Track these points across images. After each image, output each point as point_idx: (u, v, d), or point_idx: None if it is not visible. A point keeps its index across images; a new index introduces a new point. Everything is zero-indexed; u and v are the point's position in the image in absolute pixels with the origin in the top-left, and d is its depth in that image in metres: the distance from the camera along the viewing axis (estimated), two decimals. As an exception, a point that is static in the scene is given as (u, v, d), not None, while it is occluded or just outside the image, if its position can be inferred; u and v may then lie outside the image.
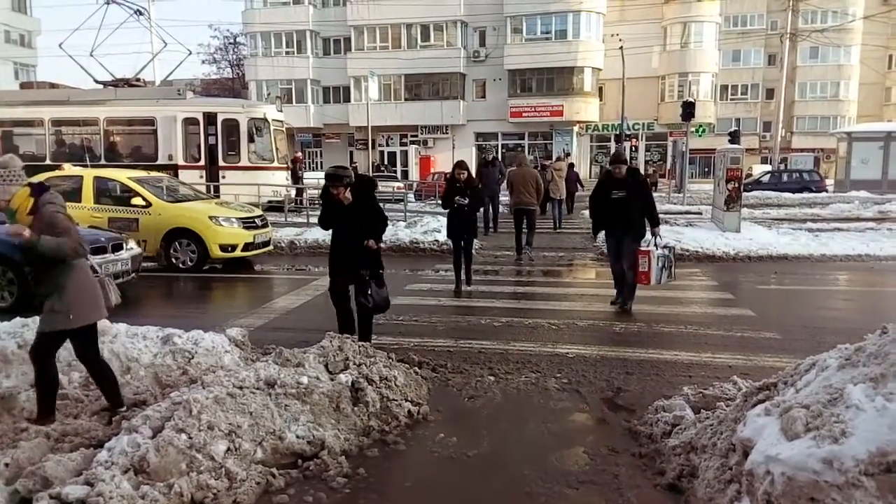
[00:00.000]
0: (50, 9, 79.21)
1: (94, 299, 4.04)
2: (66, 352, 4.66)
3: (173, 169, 16.25)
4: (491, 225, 15.08)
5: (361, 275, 5.61)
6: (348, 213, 5.54)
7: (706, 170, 39.81)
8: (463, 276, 8.89)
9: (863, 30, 44.40)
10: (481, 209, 12.46)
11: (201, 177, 16.82)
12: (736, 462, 2.96)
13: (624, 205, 7.30)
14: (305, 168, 25.14)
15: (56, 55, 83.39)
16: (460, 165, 8.86)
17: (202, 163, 17.16)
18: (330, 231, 5.84)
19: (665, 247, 7.53)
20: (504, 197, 14.58)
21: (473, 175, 9.93)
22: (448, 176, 9.68)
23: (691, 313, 7.52)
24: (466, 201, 8.57)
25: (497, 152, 40.01)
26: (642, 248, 7.28)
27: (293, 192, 18.94)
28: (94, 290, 4.06)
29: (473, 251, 9.68)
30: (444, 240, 12.89)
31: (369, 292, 5.62)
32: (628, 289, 7.52)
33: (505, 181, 13.71)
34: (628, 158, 7.82)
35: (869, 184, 26.52)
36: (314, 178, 25.35)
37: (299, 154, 28.72)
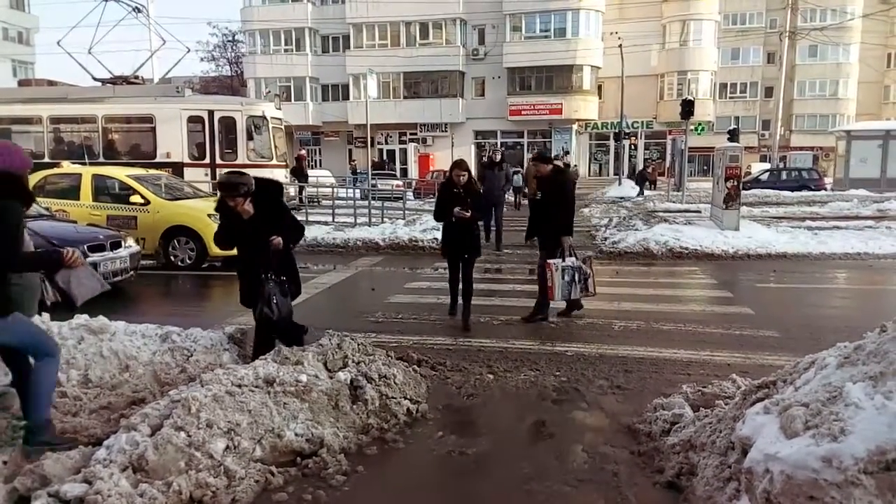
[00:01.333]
0: (48, 6, 79.10)
1: None
2: (63, 350, 4.65)
3: (175, 167, 16.22)
4: (492, 240, 12.64)
5: (263, 279, 4.76)
6: (252, 227, 4.66)
7: (705, 168, 39.83)
8: (460, 302, 6.99)
9: (862, 28, 44.39)
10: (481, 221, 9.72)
11: (206, 174, 16.79)
12: (735, 460, 2.96)
13: (540, 208, 6.89)
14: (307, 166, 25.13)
15: (54, 52, 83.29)
16: (460, 165, 6.76)
17: (206, 160, 17.13)
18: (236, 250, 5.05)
19: (582, 259, 6.98)
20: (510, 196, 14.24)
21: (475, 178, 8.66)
22: (444, 179, 7.84)
23: (690, 311, 7.52)
24: (469, 214, 6.54)
25: (493, 150, 40.03)
26: (549, 262, 6.68)
27: (292, 191, 18.91)
28: None
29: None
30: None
31: (274, 301, 4.73)
32: (538, 302, 6.99)
33: (511, 186, 13.56)
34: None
35: (868, 182, 26.52)
36: (312, 177, 25.35)
37: (303, 152, 28.69)
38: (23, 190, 3.40)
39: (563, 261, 6.69)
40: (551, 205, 6.71)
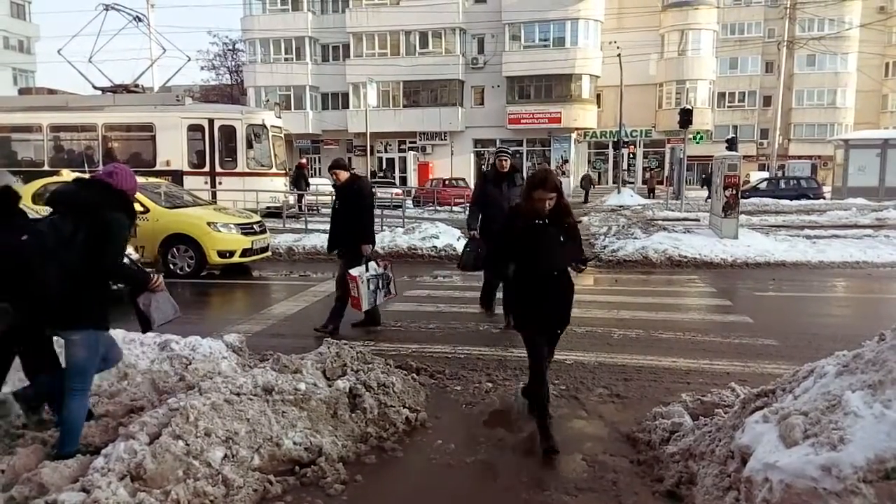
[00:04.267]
0: (49, 15, 79.41)
1: None
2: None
3: (175, 175, 16.24)
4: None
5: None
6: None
7: (703, 176, 39.90)
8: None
9: (859, 38, 44.57)
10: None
11: (206, 183, 16.82)
12: (734, 469, 2.96)
13: (337, 216, 6.72)
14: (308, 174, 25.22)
15: (55, 61, 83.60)
16: (545, 183, 3.96)
17: (206, 169, 17.16)
18: None
19: (382, 266, 6.87)
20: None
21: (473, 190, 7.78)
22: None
23: (689, 320, 7.52)
24: (583, 268, 4.28)
25: (491, 159, 40.08)
26: (351, 273, 6.48)
27: (292, 199, 18.94)
28: None
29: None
30: (441, 245, 12.92)
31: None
32: (333, 311, 6.80)
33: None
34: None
35: (866, 191, 26.59)
36: (312, 185, 25.38)
37: (304, 160, 28.74)
38: (131, 207, 3.71)
39: (367, 270, 6.58)
40: (350, 213, 6.59)
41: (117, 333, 5.11)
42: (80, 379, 3.60)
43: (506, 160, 7.03)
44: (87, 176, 4.01)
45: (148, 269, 4.28)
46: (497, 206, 6.64)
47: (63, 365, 3.71)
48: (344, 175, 6.66)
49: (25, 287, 3.40)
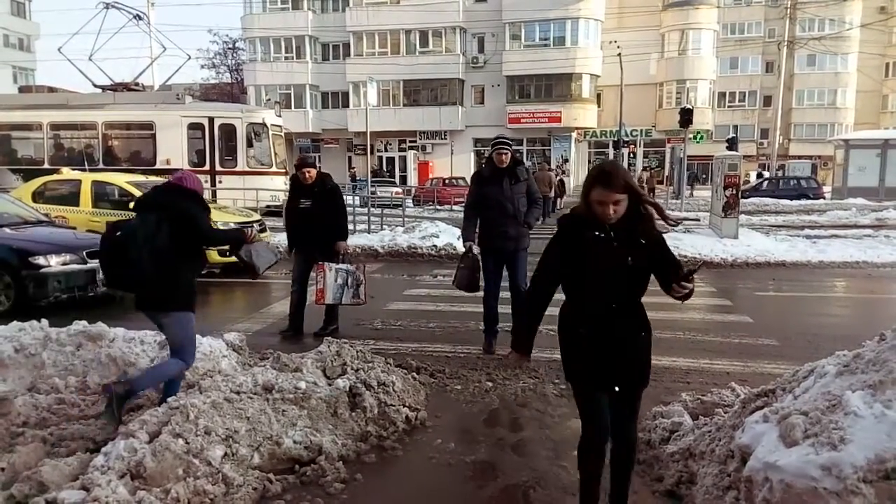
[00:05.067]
0: (49, 13, 79.33)
1: None
2: (62, 356, 4.65)
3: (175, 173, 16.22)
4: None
5: None
6: None
7: (703, 176, 39.89)
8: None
9: (860, 38, 44.55)
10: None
11: (206, 181, 16.80)
12: (734, 469, 2.96)
13: (309, 215, 6.43)
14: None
15: (55, 59, 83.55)
16: (628, 183, 2.75)
17: (206, 167, 17.15)
18: None
19: (355, 267, 6.65)
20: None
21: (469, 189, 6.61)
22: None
23: (689, 319, 7.51)
24: (687, 293, 2.82)
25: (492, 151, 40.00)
26: (319, 263, 6.37)
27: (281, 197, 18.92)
28: None
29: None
30: (441, 245, 12.91)
31: None
32: (328, 313, 6.74)
33: (538, 211, 13.46)
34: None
35: (866, 191, 26.61)
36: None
37: None
38: (203, 202, 4.42)
39: (338, 263, 6.42)
40: (327, 212, 6.40)
41: (118, 331, 5.12)
42: (180, 354, 4.26)
43: (505, 153, 5.83)
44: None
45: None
46: (498, 208, 5.76)
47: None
48: (314, 173, 6.49)
49: (134, 279, 4.09)
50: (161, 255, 4.00)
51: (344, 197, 7.02)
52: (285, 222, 7.10)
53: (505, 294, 6.02)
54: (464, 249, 6.19)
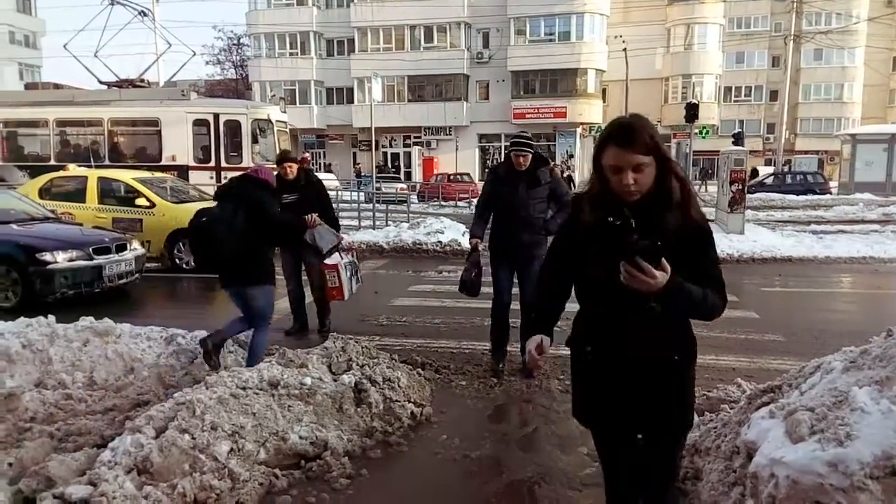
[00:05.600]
0: (55, 10, 79.53)
1: None
2: (69, 352, 4.67)
3: (180, 170, 16.24)
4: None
5: None
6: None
7: (710, 171, 39.75)
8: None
9: (867, 32, 44.33)
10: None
11: (211, 178, 16.83)
12: (740, 465, 2.95)
13: (296, 210, 6.05)
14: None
15: (61, 56, 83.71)
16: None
17: (211, 163, 17.17)
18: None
19: (348, 251, 6.48)
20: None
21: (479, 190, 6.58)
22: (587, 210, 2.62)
23: (695, 315, 7.49)
24: None
25: (501, 154, 40.03)
26: (328, 263, 6.09)
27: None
28: None
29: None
30: (446, 241, 12.91)
31: None
32: (322, 309, 6.68)
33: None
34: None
35: (873, 186, 26.44)
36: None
37: (307, 155, 28.77)
38: (274, 190, 5.18)
39: (342, 258, 6.21)
40: (312, 204, 6.10)
41: (124, 328, 5.15)
42: (263, 320, 4.96)
43: (524, 155, 5.08)
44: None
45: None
46: (510, 212, 5.19)
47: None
48: (296, 168, 6.46)
49: (217, 259, 4.77)
50: (240, 237, 4.67)
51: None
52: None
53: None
54: (470, 247, 5.52)
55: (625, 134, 1.93)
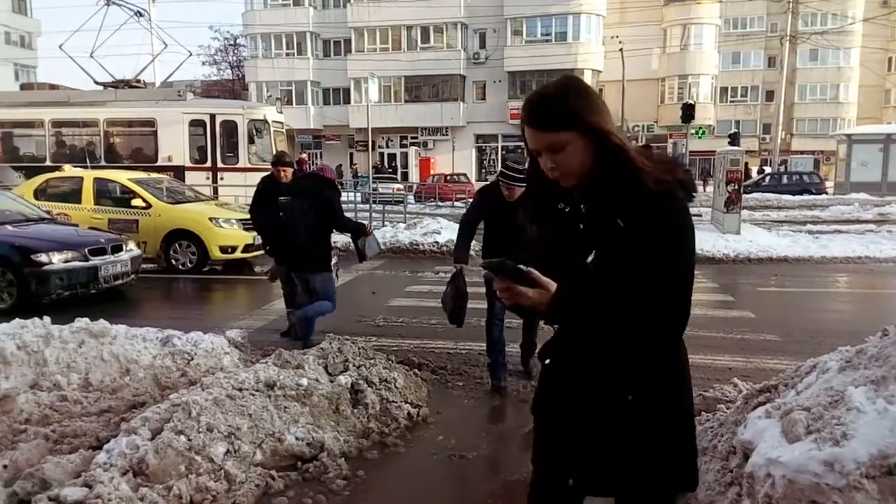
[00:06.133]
0: (50, 10, 79.32)
1: None
2: (64, 353, 4.66)
3: (177, 170, 16.21)
4: None
5: None
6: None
7: (710, 171, 39.85)
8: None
9: (862, 32, 44.42)
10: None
11: (207, 178, 16.80)
12: (736, 465, 2.96)
13: (295, 214, 5.71)
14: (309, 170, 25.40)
15: (56, 56, 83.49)
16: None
17: (207, 164, 17.14)
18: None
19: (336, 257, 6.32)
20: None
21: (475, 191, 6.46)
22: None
23: (691, 315, 7.48)
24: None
25: (497, 154, 40.01)
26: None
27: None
28: None
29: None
30: (443, 241, 12.91)
31: None
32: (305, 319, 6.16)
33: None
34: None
35: (869, 186, 26.51)
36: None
37: (304, 155, 28.72)
38: (336, 188, 5.85)
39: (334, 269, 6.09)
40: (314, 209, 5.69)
41: (120, 329, 5.13)
42: (330, 300, 5.73)
43: (511, 189, 4.54)
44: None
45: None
46: (508, 232, 4.52)
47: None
48: (290, 172, 6.26)
49: (290, 247, 5.57)
50: (311, 229, 5.46)
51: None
52: (258, 226, 6.67)
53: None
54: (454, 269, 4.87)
55: (532, 111, 1.60)
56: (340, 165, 25.10)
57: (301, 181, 5.97)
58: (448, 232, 13.38)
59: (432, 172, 35.16)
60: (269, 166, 6.76)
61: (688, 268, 1.62)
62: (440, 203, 25.36)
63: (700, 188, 31.98)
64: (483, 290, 4.97)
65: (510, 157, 4.84)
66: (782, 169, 35.03)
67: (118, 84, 18.23)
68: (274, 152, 17.92)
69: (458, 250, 4.97)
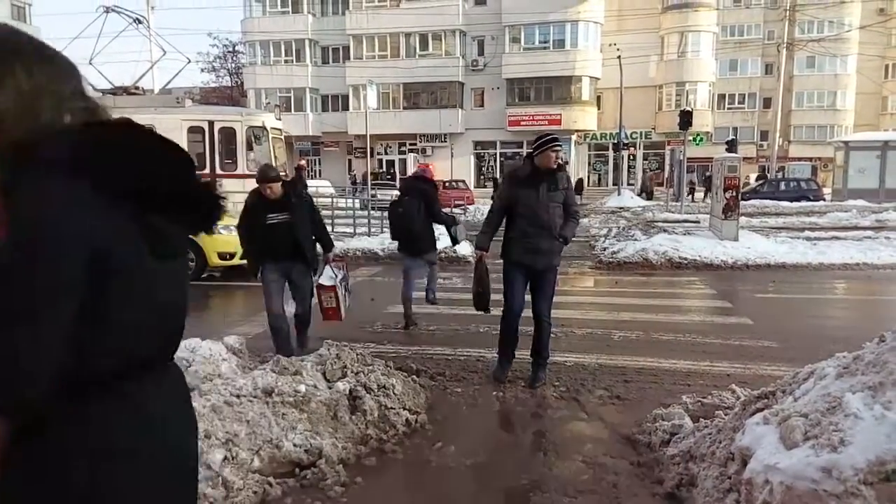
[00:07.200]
0: (50, 17, 79.47)
1: None
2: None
3: None
4: None
5: None
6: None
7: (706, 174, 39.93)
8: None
9: (859, 40, 44.62)
10: None
11: None
12: (735, 471, 2.96)
13: (287, 229, 5.56)
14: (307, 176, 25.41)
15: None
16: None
17: (206, 171, 17.14)
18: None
19: (341, 263, 6.29)
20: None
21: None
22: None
23: (690, 322, 7.51)
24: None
25: (496, 161, 40.06)
26: (325, 285, 5.84)
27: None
28: None
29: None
30: (441, 247, 12.88)
31: None
32: (305, 328, 6.12)
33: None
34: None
35: (866, 192, 26.57)
36: (312, 187, 25.29)
37: (303, 162, 28.74)
38: (436, 186, 7.35)
39: (336, 274, 5.92)
40: (306, 223, 5.71)
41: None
42: (434, 267, 7.55)
43: (555, 152, 4.97)
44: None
45: None
46: (530, 217, 4.99)
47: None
48: (278, 187, 5.63)
49: (409, 235, 7.02)
50: (421, 221, 6.87)
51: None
52: (245, 243, 6.24)
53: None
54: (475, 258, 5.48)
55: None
56: (301, 165, 25.09)
57: (408, 181, 7.48)
58: (446, 238, 13.35)
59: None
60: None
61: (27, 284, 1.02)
62: (439, 210, 25.29)
63: (700, 196, 32.12)
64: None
65: (543, 132, 5.35)
66: (780, 175, 35.11)
67: (117, 91, 18.25)
68: (273, 159, 18.02)
69: (481, 238, 5.29)
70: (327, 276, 5.91)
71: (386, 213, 19.42)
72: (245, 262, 11.32)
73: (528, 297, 5.28)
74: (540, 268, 5.09)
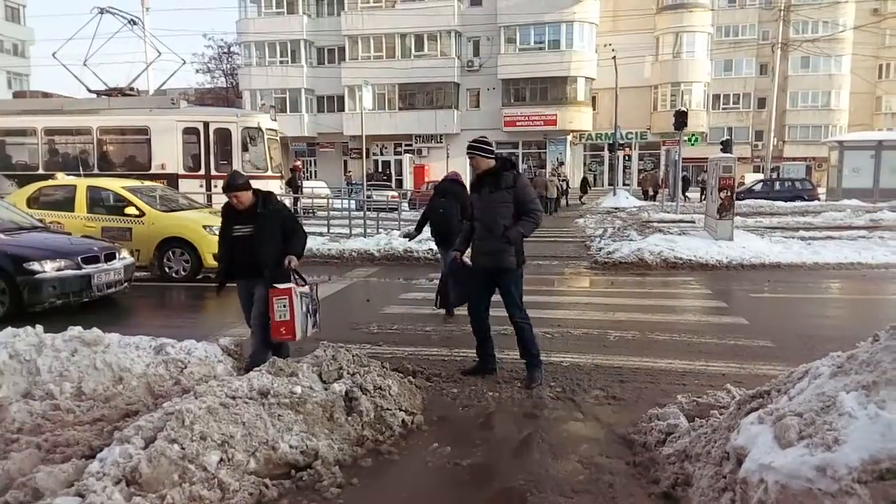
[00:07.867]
0: (44, 18, 79.20)
1: None
2: (57, 362, 4.64)
3: (170, 178, 16.17)
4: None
5: None
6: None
7: (700, 177, 40.00)
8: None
9: (853, 40, 44.80)
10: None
11: (201, 186, 16.76)
12: (730, 470, 2.96)
13: (246, 244, 5.11)
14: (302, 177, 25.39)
15: (49, 64, 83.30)
16: None
17: (201, 172, 17.11)
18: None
19: (308, 287, 5.32)
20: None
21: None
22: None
23: (685, 322, 7.53)
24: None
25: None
26: (279, 288, 5.02)
27: (288, 201, 18.89)
28: None
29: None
30: (437, 248, 12.92)
31: None
32: (264, 346, 5.25)
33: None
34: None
35: (860, 192, 26.65)
36: (307, 188, 25.32)
37: (298, 163, 28.71)
38: (465, 188, 7.42)
39: (300, 286, 5.18)
40: (278, 235, 5.16)
41: (113, 337, 5.11)
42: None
43: (473, 159, 5.17)
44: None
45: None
46: (478, 218, 5.22)
47: None
48: (247, 197, 5.13)
49: (449, 230, 7.41)
50: (457, 220, 7.36)
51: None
52: (220, 255, 5.65)
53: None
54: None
55: None
56: (296, 166, 25.26)
57: (445, 185, 7.92)
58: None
59: (427, 180, 35.17)
60: (263, 174, 6.70)
61: None
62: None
63: (697, 195, 32.17)
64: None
65: (480, 136, 5.43)
66: (774, 175, 35.20)
67: (112, 92, 18.19)
68: (268, 160, 18.00)
69: (459, 241, 5.63)
70: (287, 283, 5.10)
71: (385, 214, 19.59)
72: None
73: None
74: (491, 270, 5.17)
